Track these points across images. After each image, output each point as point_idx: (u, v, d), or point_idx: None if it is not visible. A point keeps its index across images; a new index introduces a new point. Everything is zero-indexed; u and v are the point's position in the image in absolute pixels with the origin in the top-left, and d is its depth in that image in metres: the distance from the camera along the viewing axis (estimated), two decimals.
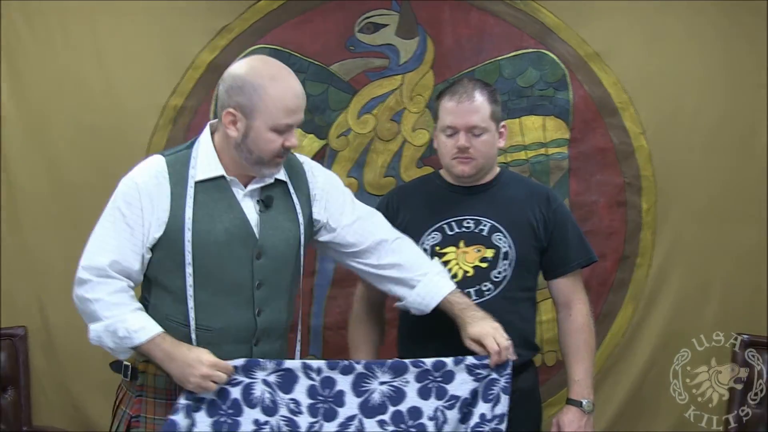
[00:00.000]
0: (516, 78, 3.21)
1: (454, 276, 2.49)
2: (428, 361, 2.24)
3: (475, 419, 2.22)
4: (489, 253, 2.52)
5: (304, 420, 2.19)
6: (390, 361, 2.24)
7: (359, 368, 2.22)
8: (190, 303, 2.22)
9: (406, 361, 2.25)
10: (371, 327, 2.67)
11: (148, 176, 2.23)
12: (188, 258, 2.21)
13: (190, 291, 2.22)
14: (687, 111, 3.24)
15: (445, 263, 2.51)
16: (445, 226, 2.55)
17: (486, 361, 2.25)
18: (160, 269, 2.25)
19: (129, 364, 2.29)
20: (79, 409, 3.19)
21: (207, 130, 2.31)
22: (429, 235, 2.54)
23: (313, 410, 2.20)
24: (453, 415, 2.22)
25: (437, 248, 2.53)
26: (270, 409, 2.19)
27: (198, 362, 2.15)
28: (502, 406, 2.23)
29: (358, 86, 3.22)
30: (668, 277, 3.26)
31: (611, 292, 3.27)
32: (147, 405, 2.27)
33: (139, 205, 2.21)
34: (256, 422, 2.17)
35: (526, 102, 3.21)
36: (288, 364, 2.21)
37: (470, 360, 2.25)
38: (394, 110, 3.24)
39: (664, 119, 3.23)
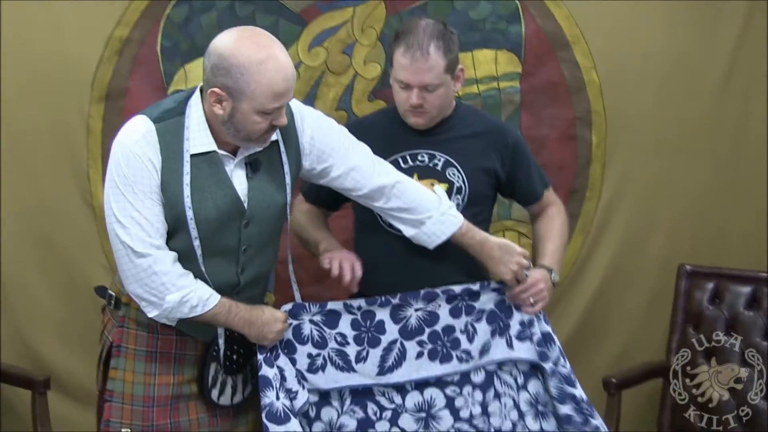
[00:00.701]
0: (468, 11, 3.17)
1: None
2: (457, 288, 2.47)
3: (516, 328, 2.51)
4: (443, 188, 2.52)
5: (351, 349, 2.41)
6: (422, 291, 2.44)
7: (395, 301, 2.44)
8: (203, 267, 2.24)
9: (437, 289, 2.45)
10: (316, 211, 2.70)
11: (145, 143, 2.16)
12: (194, 233, 2.21)
13: (201, 260, 2.23)
14: (639, 49, 3.23)
15: None
16: (399, 159, 2.56)
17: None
18: None
19: (113, 293, 2.31)
20: (31, 347, 3.15)
21: (197, 96, 2.23)
22: None
23: (358, 340, 2.42)
24: (482, 326, 2.50)
25: None
26: (320, 344, 2.40)
27: (274, 320, 2.30)
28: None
29: (309, 18, 3.15)
30: (616, 210, 3.31)
31: None
32: (128, 336, 2.30)
33: (146, 173, 2.16)
34: (309, 355, 2.39)
35: (478, 35, 3.17)
36: (330, 305, 2.42)
37: (494, 284, 2.53)
38: (345, 43, 3.19)
39: (616, 56, 3.22)
